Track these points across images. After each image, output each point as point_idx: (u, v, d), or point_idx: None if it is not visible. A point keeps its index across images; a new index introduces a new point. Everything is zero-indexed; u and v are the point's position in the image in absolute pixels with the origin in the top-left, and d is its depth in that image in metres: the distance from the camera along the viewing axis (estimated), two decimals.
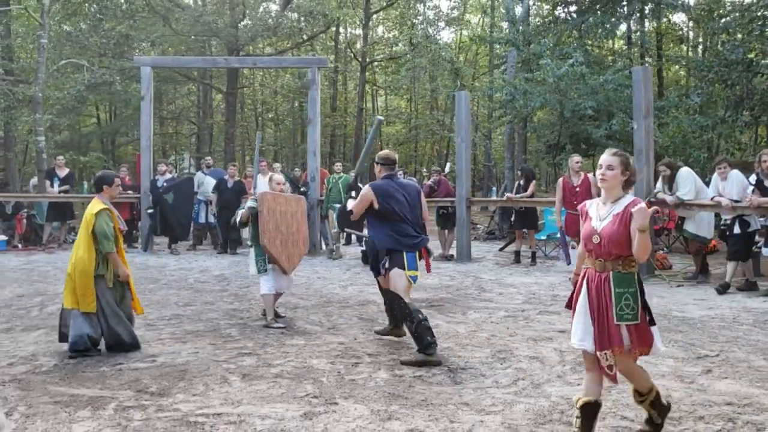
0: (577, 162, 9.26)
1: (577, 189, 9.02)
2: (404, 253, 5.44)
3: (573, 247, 9.26)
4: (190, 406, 4.18)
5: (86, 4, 17.67)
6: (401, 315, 5.41)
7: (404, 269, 5.43)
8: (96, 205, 5.37)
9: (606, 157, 3.56)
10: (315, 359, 5.27)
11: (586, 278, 3.58)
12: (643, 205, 3.34)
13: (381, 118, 6.22)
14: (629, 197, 3.53)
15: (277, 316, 6.86)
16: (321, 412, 4.05)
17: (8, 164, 16.02)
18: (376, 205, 5.50)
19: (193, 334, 6.21)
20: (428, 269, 5.92)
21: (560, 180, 9.40)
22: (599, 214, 3.56)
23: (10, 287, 8.80)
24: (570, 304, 3.72)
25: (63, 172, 12.98)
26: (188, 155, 34.42)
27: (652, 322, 3.54)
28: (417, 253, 5.55)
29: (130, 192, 12.78)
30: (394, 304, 5.47)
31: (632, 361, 3.54)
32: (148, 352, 5.52)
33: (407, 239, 5.48)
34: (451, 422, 3.88)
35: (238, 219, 6.96)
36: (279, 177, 7.18)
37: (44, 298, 8.05)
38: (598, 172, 3.57)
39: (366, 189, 5.58)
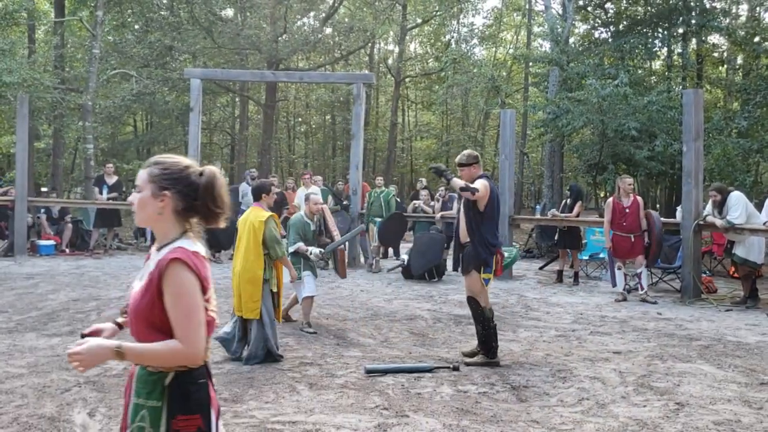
0: (630, 184, 9.23)
1: (627, 210, 9.00)
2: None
3: (619, 268, 9.21)
4: (264, 413, 4.29)
5: (134, 16, 18.15)
6: (474, 317, 5.69)
7: (480, 272, 5.56)
8: (260, 212, 5.61)
9: (139, 172, 2.12)
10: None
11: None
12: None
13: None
14: (178, 242, 2.03)
15: (287, 320, 7.29)
16: (394, 424, 4.12)
17: (56, 170, 16.44)
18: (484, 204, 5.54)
19: None
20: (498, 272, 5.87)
21: (610, 200, 9.38)
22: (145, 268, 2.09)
23: (64, 291, 9.02)
24: None
25: (112, 180, 13.26)
26: (220, 165, 34.93)
27: None
28: (494, 256, 5.62)
29: None
30: (470, 306, 5.70)
31: None
32: (212, 358, 5.63)
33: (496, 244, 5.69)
34: None
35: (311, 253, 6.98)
36: (316, 197, 7.33)
37: (99, 302, 8.24)
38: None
39: (487, 184, 5.55)
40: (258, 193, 5.81)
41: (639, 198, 9.24)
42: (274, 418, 4.19)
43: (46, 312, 7.57)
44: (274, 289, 5.62)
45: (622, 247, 9.01)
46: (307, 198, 7.29)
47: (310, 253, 6.80)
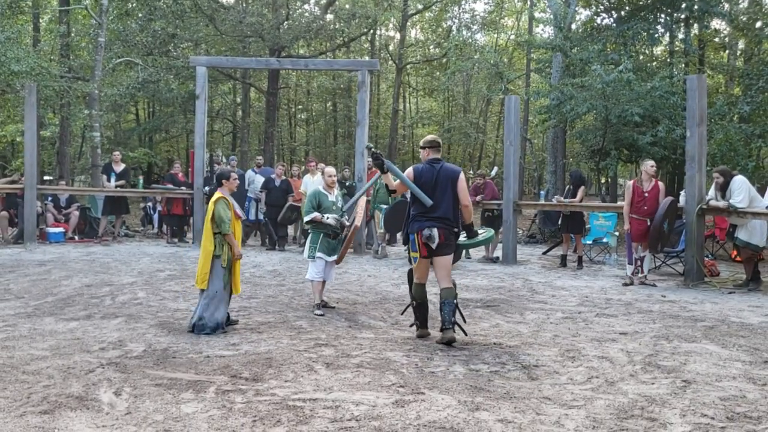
0: (652, 167, 9.27)
1: (647, 194, 9.08)
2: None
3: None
4: (285, 391, 4.43)
5: (138, 4, 18.17)
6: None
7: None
8: (217, 195, 6.30)
9: None
10: (390, 352, 5.49)
11: None
12: None
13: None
14: None
15: (325, 305, 7.30)
16: (411, 401, 4.26)
17: (63, 158, 16.54)
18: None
19: (266, 325, 6.47)
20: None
21: (630, 183, 9.45)
22: None
23: (77, 277, 9.15)
24: None
25: (119, 168, 13.37)
26: (221, 152, 35.03)
27: None
28: (415, 236, 5.83)
29: (183, 188, 13.15)
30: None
31: None
32: (229, 340, 5.79)
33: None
34: (537, 414, 4.07)
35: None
36: (330, 170, 7.62)
37: (112, 288, 8.38)
38: None
39: (409, 172, 5.95)
40: (219, 179, 6.44)
41: (661, 183, 9.30)
42: (295, 396, 4.33)
43: (61, 297, 7.71)
44: (224, 265, 6.13)
45: (637, 231, 9.08)
46: (323, 172, 7.73)
47: (327, 218, 7.09)
